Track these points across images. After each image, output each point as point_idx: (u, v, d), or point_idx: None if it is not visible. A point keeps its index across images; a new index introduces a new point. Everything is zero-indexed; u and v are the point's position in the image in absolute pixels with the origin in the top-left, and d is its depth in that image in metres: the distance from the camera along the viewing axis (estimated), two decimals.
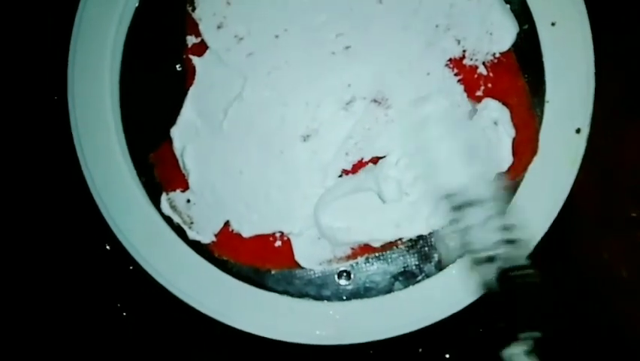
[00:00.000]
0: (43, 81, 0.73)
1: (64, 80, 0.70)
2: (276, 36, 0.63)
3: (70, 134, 0.69)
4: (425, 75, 0.64)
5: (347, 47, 0.63)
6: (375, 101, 0.63)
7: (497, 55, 0.65)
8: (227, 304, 0.68)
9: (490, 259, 0.56)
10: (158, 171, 0.68)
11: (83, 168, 0.69)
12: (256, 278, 0.68)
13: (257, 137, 0.64)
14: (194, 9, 0.66)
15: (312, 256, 0.65)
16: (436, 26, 0.64)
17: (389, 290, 0.68)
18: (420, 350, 0.71)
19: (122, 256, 0.69)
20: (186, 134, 0.65)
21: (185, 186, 0.67)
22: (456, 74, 0.64)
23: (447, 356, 0.71)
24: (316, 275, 0.68)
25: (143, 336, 0.74)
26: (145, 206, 0.69)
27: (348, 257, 0.66)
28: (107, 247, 0.71)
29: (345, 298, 0.68)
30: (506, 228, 0.57)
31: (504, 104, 0.65)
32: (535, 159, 0.66)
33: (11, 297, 0.75)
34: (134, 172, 0.69)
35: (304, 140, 0.64)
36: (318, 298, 0.68)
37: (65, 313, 0.74)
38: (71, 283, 0.74)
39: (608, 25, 0.67)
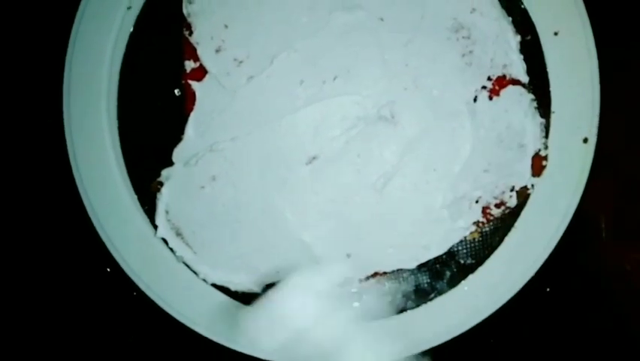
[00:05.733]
0: (38, 108, 0.72)
1: (59, 108, 0.68)
2: (276, 58, 0.62)
3: (67, 161, 0.68)
4: (430, 90, 0.63)
5: (350, 67, 0.62)
6: (382, 118, 0.62)
7: (502, 68, 0.64)
8: (235, 330, 0.67)
9: None
10: None
11: (83, 197, 0.68)
12: None
13: (261, 162, 0.63)
14: (191, 33, 0.64)
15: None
16: (440, 41, 0.62)
17: (401, 310, 0.67)
18: None
19: (126, 282, 0.68)
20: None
21: None
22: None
23: None
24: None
25: None
26: (148, 234, 0.68)
27: (360, 279, 0.65)
28: (108, 270, 0.70)
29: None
30: None
31: None
32: (545, 170, 0.65)
33: (15, 324, 0.74)
34: (137, 201, 0.68)
35: (309, 162, 0.63)
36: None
37: (72, 341, 0.73)
38: (78, 313, 0.73)
39: (612, 32, 0.66)
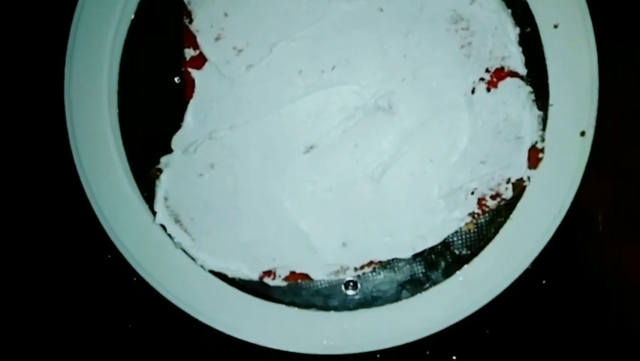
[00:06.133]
0: (39, 96, 0.73)
1: (60, 96, 0.69)
2: (276, 47, 0.62)
3: (69, 150, 0.69)
4: (429, 81, 0.63)
5: (350, 57, 0.62)
6: (380, 108, 0.63)
7: (501, 60, 0.64)
8: (233, 317, 0.68)
9: None
10: None
11: (84, 183, 0.68)
12: (262, 290, 0.68)
13: (259, 150, 0.63)
14: (191, 21, 0.64)
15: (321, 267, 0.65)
16: (439, 32, 0.63)
17: (396, 299, 0.68)
18: (427, 352, 0.71)
19: (125, 268, 0.69)
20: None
21: None
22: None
23: (454, 357, 0.72)
24: (323, 286, 0.68)
25: (150, 349, 0.74)
26: (147, 220, 0.68)
27: (355, 267, 0.65)
28: (109, 256, 0.71)
29: (352, 307, 0.68)
30: None
31: None
32: (541, 163, 0.66)
33: (17, 310, 0.75)
34: (136, 187, 0.69)
35: (307, 151, 0.63)
36: (325, 308, 0.68)
37: (74, 325, 0.75)
38: (79, 297, 0.75)
39: (612, 26, 0.66)
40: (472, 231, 0.67)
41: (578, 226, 0.68)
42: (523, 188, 0.66)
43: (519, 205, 0.67)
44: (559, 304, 0.71)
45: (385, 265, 0.67)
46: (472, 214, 0.65)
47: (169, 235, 0.67)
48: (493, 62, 0.63)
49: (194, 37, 0.64)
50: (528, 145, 0.64)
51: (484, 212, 0.65)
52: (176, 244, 0.67)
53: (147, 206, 0.68)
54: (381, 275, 0.68)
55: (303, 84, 0.62)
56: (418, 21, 0.62)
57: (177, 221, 0.66)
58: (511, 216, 0.67)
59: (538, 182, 0.66)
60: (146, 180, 0.68)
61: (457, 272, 0.67)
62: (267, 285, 0.67)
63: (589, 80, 0.65)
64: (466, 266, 0.67)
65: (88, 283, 0.74)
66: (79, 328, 0.75)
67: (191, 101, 0.65)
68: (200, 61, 0.65)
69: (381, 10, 0.62)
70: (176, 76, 0.67)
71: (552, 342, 0.71)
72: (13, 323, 0.75)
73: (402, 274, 0.68)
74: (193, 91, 0.65)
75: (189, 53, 0.65)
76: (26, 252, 0.75)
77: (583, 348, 0.71)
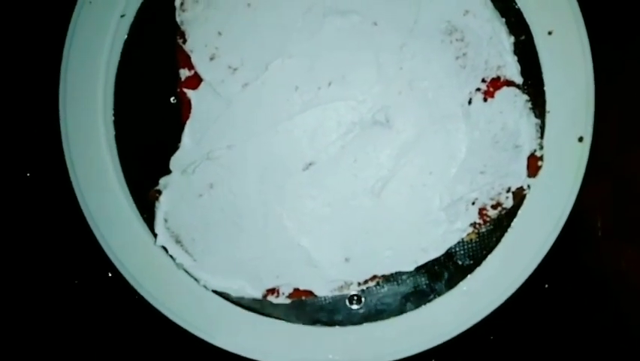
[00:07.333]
0: (35, 119, 0.72)
1: (56, 119, 0.68)
2: (271, 64, 0.62)
3: (67, 173, 0.68)
4: (425, 93, 0.63)
5: (345, 72, 0.62)
6: (377, 122, 0.63)
7: (497, 69, 0.64)
8: (238, 335, 0.68)
9: None
10: None
11: (83, 207, 0.68)
12: (267, 308, 0.68)
13: (258, 169, 0.63)
14: (185, 41, 0.64)
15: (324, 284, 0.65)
16: (434, 44, 0.62)
17: (401, 311, 0.68)
18: (433, 360, 0.71)
19: (128, 286, 0.68)
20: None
21: None
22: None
23: None
24: (327, 301, 0.68)
25: None
26: (148, 242, 0.68)
27: (359, 282, 0.65)
28: (110, 275, 0.71)
29: (357, 322, 0.68)
30: None
31: None
32: (540, 170, 0.66)
33: (20, 328, 0.75)
34: (136, 210, 0.69)
35: (306, 168, 0.63)
36: (330, 323, 0.68)
37: (76, 343, 0.75)
38: (81, 316, 0.74)
39: (606, 31, 0.67)
40: (474, 241, 0.67)
41: (578, 231, 0.68)
42: (524, 196, 0.66)
43: (520, 214, 0.67)
44: (561, 307, 0.71)
45: (389, 278, 0.67)
46: (473, 224, 0.65)
47: (170, 257, 0.66)
48: (488, 71, 0.63)
49: (188, 57, 0.64)
50: (527, 153, 0.64)
51: (485, 222, 0.65)
52: (178, 265, 0.66)
53: (147, 228, 0.68)
54: (385, 288, 0.68)
55: (299, 101, 0.62)
56: (412, 33, 0.62)
57: (178, 242, 0.66)
58: (513, 224, 0.67)
59: (538, 190, 0.66)
60: (146, 202, 0.67)
61: (461, 282, 0.67)
62: (271, 303, 0.66)
63: (585, 86, 0.65)
64: (469, 276, 0.67)
65: (90, 303, 0.74)
66: (81, 346, 0.74)
67: (188, 122, 0.65)
68: (195, 81, 0.64)
69: (376, 24, 0.62)
70: (172, 96, 0.67)
71: (555, 344, 0.71)
72: (13, 339, 0.75)
73: (406, 287, 0.68)
74: (189, 111, 0.64)
75: (184, 73, 0.65)
76: (27, 273, 0.74)
77: (585, 349, 0.71)
